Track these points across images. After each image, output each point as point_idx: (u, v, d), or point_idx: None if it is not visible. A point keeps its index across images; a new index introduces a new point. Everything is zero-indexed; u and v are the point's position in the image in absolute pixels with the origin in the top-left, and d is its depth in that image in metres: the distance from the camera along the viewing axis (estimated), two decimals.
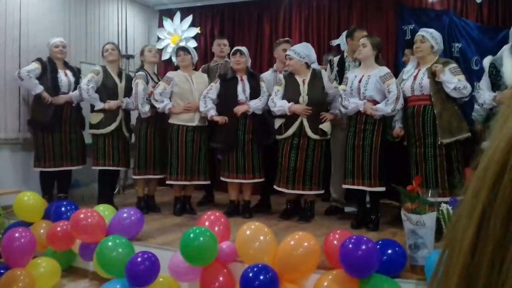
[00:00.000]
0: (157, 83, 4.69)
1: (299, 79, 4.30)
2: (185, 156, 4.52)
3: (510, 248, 0.27)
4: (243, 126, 4.43)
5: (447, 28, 5.20)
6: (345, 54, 4.72)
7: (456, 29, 5.24)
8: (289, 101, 4.24)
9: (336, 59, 4.71)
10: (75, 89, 4.75)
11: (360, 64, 4.30)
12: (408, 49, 4.66)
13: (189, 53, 4.68)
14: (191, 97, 4.59)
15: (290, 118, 4.24)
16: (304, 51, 4.30)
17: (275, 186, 4.36)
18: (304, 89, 4.25)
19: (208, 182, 4.75)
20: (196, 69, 4.96)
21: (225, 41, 5.22)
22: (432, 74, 3.78)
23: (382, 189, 3.95)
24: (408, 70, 4.03)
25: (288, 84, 4.32)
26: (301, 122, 4.21)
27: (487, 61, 3.87)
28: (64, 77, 4.77)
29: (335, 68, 4.69)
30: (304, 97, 4.23)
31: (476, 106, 4.06)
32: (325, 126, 4.22)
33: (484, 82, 3.85)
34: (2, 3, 4.69)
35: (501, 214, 0.28)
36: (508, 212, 0.27)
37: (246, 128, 4.43)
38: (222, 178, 4.57)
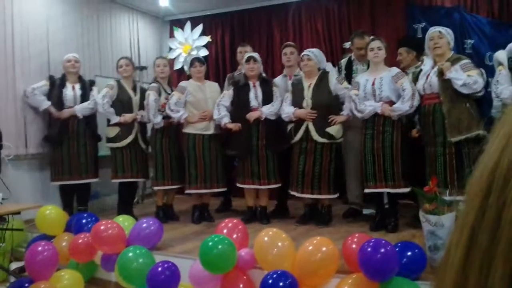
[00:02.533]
0: (168, 94, 4.75)
1: (305, 83, 4.33)
2: (204, 164, 4.56)
3: (495, 258, 0.29)
4: (257, 132, 4.46)
5: (459, 25, 5.16)
6: (352, 57, 4.72)
7: (467, 26, 5.19)
8: (295, 106, 4.29)
9: (344, 62, 4.72)
10: (81, 102, 4.81)
11: (368, 66, 4.32)
12: (403, 47, 4.60)
13: (204, 64, 4.75)
14: (205, 105, 4.64)
15: (297, 123, 4.28)
16: (320, 55, 4.40)
17: (289, 190, 4.39)
18: (308, 93, 4.27)
19: (225, 189, 4.79)
20: (208, 77, 5.01)
21: (248, 48, 5.16)
22: (440, 72, 3.75)
23: (407, 189, 3.92)
24: (427, 71, 3.96)
25: (294, 89, 4.38)
26: (307, 127, 4.23)
27: (502, 56, 3.80)
28: (71, 91, 4.82)
29: (343, 71, 4.72)
30: (307, 101, 4.25)
31: (495, 103, 3.97)
32: (332, 129, 4.20)
33: (504, 77, 3.76)
34: (17, 21, 4.79)
35: (488, 228, 0.30)
36: (493, 227, 0.30)
37: (259, 134, 4.46)
38: (238, 184, 4.60)
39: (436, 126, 3.79)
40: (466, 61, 3.81)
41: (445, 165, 3.72)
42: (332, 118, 4.22)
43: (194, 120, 4.59)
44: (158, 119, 4.64)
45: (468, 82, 3.64)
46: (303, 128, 4.25)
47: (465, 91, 3.69)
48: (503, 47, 4.03)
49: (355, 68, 4.65)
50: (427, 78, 3.86)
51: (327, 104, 4.26)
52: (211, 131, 4.61)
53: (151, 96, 4.65)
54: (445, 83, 3.72)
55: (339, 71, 4.75)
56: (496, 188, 0.30)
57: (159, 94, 4.72)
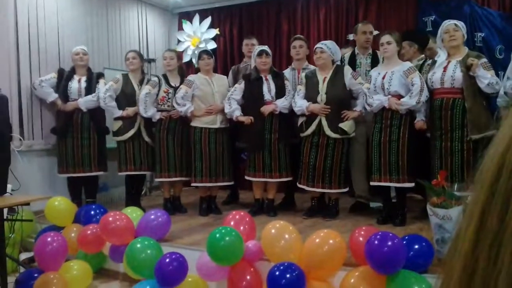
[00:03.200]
0: (173, 87, 4.75)
1: (320, 77, 4.29)
2: (209, 158, 4.57)
3: (504, 241, 0.30)
4: (270, 126, 4.46)
5: (469, 18, 5.11)
6: (356, 51, 4.70)
7: (478, 18, 5.14)
8: (308, 100, 4.26)
9: (347, 56, 4.69)
10: (86, 95, 4.80)
11: (372, 60, 4.30)
12: (405, 41, 4.57)
13: (212, 56, 4.76)
14: (212, 99, 4.65)
15: (309, 117, 4.26)
16: (334, 47, 4.34)
17: (297, 184, 4.38)
18: (323, 87, 4.25)
19: (232, 183, 4.80)
20: (216, 70, 5.01)
21: (254, 41, 5.16)
22: (466, 68, 3.71)
23: (411, 185, 3.91)
24: (441, 63, 3.93)
25: (308, 83, 4.34)
26: (320, 121, 4.21)
27: None
28: (76, 84, 4.83)
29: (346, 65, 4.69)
30: (322, 96, 4.22)
31: (501, 92, 3.94)
32: (346, 125, 4.18)
33: None
34: (24, 15, 4.81)
35: (497, 211, 0.30)
36: (502, 210, 0.30)
37: (272, 127, 4.45)
38: (247, 177, 4.60)
39: (455, 121, 3.75)
40: (485, 59, 3.79)
41: (463, 161, 3.70)
42: (345, 114, 4.20)
43: (200, 114, 4.60)
44: (149, 113, 4.67)
45: (492, 82, 3.64)
46: (315, 122, 4.23)
47: (488, 90, 3.68)
48: None
49: (359, 62, 4.63)
50: (444, 70, 3.81)
51: (341, 99, 4.23)
52: (217, 125, 4.62)
53: (143, 90, 4.70)
54: (471, 79, 3.69)
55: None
56: (506, 171, 0.31)
57: (159, 88, 4.74)
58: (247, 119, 4.45)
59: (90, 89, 4.83)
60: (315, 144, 4.23)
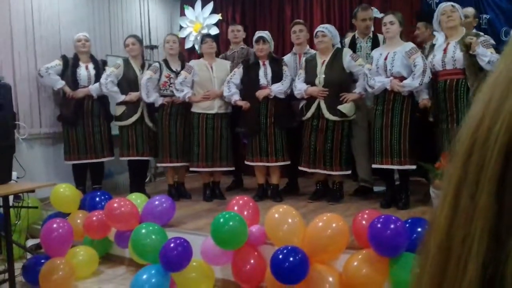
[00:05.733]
0: (174, 72, 4.74)
1: (319, 60, 4.29)
2: (206, 143, 4.59)
3: (474, 219, 0.30)
4: (265, 110, 4.46)
5: (474, 0, 5.05)
6: (356, 35, 4.66)
7: (483, 0, 5.08)
8: (307, 84, 4.27)
9: (347, 41, 4.66)
10: (96, 82, 4.83)
11: (372, 43, 4.30)
12: (422, 22, 4.54)
13: (215, 40, 4.73)
14: (210, 85, 4.64)
15: (309, 100, 4.27)
16: (333, 30, 4.34)
17: (299, 167, 4.41)
18: (321, 70, 4.24)
19: (231, 168, 4.81)
20: (218, 55, 4.99)
21: (239, 27, 5.17)
22: (465, 47, 3.68)
23: (413, 167, 3.91)
24: (440, 45, 3.90)
25: (307, 66, 4.35)
26: (319, 104, 4.20)
27: None
28: (85, 71, 4.85)
29: None
30: (320, 79, 4.22)
31: None
32: (344, 107, 4.16)
33: None
34: (28, 2, 4.80)
35: (469, 189, 0.30)
36: (473, 187, 0.30)
37: (268, 112, 4.46)
38: (246, 162, 4.63)
39: (460, 101, 3.72)
40: (484, 38, 3.75)
41: None
42: (344, 96, 4.18)
43: (196, 100, 4.60)
44: (152, 98, 4.67)
45: (493, 60, 3.59)
46: (314, 105, 4.24)
47: (489, 68, 3.62)
48: None
49: (359, 46, 4.59)
50: (444, 52, 3.79)
51: (340, 82, 4.22)
52: (215, 110, 4.62)
53: (145, 75, 4.69)
54: (471, 58, 3.66)
55: None
56: (477, 148, 0.31)
57: (160, 74, 4.73)
58: (245, 104, 4.46)
59: (99, 76, 4.85)
60: (315, 127, 4.23)
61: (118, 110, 4.84)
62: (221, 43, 6.41)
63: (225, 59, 5.03)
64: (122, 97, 4.77)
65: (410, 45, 3.94)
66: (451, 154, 0.33)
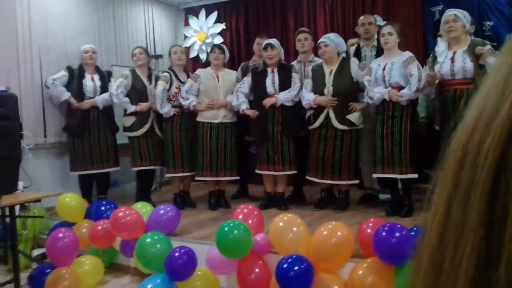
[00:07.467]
0: (183, 83, 4.77)
1: (326, 69, 4.29)
2: (210, 152, 4.60)
3: (464, 233, 0.30)
4: (272, 118, 4.46)
5: (477, 7, 5.06)
6: (361, 44, 4.67)
7: (486, 7, 5.08)
8: (315, 93, 4.26)
9: (352, 49, 4.67)
10: (101, 93, 4.87)
11: (377, 52, 4.31)
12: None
13: (223, 52, 4.75)
14: (215, 94, 4.65)
15: (317, 110, 4.27)
16: (337, 39, 4.34)
17: (307, 176, 4.39)
18: (329, 80, 4.24)
19: (236, 178, 4.80)
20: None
21: (265, 40, 5.11)
22: (476, 57, 3.68)
23: (415, 176, 3.90)
24: (442, 52, 3.90)
25: (314, 76, 4.34)
26: (327, 113, 4.21)
27: None
28: (90, 82, 4.89)
29: None
30: (329, 88, 4.22)
31: None
32: (353, 117, 4.17)
33: None
34: (34, 13, 4.85)
35: (460, 203, 0.30)
36: (463, 201, 0.30)
37: (275, 120, 4.46)
38: (256, 171, 4.62)
39: None
40: (489, 46, 3.74)
41: None
42: (353, 105, 4.19)
43: (201, 108, 4.62)
44: (166, 109, 4.68)
45: None
46: (323, 114, 4.23)
47: None
48: None
49: (364, 54, 4.60)
50: (452, 61, 3.77)
51: (348, 91, 4.23)
52: (219, 120, 4.62)
53: (159, 86, 4.69)
54: (482, 68, 3.66)
55: None
56: (468, 162, 0.31)
57: (170, 84, 4.75)
58: (252, 113, 4.47)
59: (105, 87, 4.90)
60: (324, 136, 4.23)
61: (127, 121, 4.85)
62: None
63: (246, 69, 5.00)
64: (132, 108, 4.79)
65: (407, 54, 3.95)
66: (443, 164, 0.33)
